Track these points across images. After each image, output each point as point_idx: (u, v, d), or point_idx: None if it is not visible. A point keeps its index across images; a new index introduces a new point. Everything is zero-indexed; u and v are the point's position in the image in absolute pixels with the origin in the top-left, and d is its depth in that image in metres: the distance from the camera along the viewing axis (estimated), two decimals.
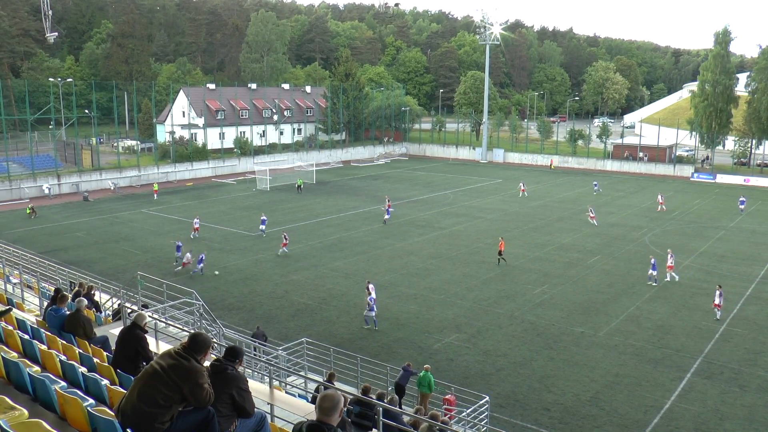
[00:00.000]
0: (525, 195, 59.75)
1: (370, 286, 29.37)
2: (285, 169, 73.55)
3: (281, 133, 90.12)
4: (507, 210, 54.36)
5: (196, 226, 43.63)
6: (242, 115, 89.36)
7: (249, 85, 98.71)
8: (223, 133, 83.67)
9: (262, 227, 44.01)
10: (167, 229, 46.01)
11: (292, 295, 31.67)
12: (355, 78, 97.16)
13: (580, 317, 28.91)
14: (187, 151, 75.18)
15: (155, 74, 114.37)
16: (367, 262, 37.23)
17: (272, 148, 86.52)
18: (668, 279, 33.72)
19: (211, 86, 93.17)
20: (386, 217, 47.95)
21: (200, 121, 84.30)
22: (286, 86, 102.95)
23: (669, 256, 34.17)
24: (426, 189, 66.08)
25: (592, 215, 48.14)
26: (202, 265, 34.41)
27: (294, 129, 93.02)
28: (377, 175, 78.12)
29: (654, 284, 33.28)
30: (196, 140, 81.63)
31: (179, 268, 35.03)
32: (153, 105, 79.08)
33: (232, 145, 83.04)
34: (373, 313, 27.17)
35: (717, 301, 28.32)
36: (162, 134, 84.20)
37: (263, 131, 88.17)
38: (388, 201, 52.15)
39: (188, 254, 35.06)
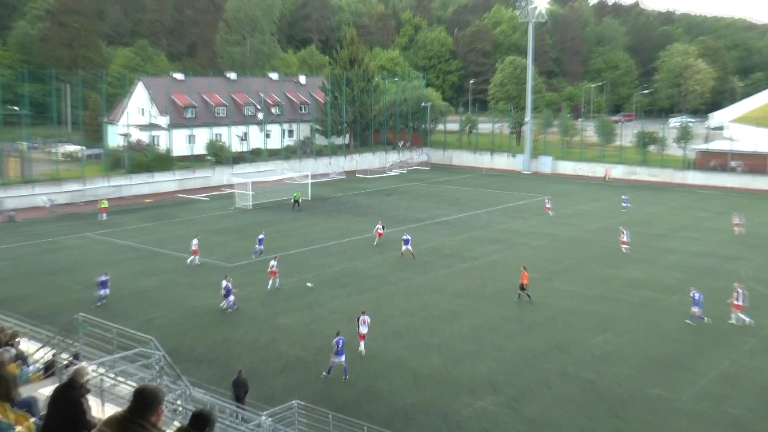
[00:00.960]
0: (550, 214, 61.35)
1: (363, 319, 30.04)
2: (272, 182, 73.91)
3: (267, 136, 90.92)
4: (557, 234, 54.30)
5: (195, 248, 44.70)
6: (218, 113, 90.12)
7: (227, 74, 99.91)
8: (194, 136, 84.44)
9: (259, 247, 46.26)
10: (118, 258, 46.25)
11: (280, 344, 31.52)
12: (362, 65, 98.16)
13: (655, 375, 28.54)
14: (146, 159, 75.95)
15: (107, 61, 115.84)
16: (377, 302, 37.08)
17: (256, 155, 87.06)
18: (733, 321, 34.14)
19: (179, 76, 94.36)
20: (374, 242, 49.53)
21: (164, 121, 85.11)
22: (274, 76, 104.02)
23: (735, 292, 34.49)
24: (453, 208, 66.11)
25: (624, 240, 48.76)
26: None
27: (284, 130, 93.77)
28: (390, 189, 78.24)
29: (693, 323, 33.98)
30: (158, 145, 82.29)
31: (99, 303, 35.68)
32: (103, 100, 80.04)
33: (205, 152, 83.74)
34: (343, 359, 27.89)
35: (738, 302, 31.92)
36: (114, 137, 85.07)
37: (244, 133, 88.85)
38: (382, 225, 51.32)
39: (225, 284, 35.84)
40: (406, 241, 46.51)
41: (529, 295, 37.26)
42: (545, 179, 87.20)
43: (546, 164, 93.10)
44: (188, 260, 44.76)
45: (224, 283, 36.13)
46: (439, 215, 62.13)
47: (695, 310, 34.03)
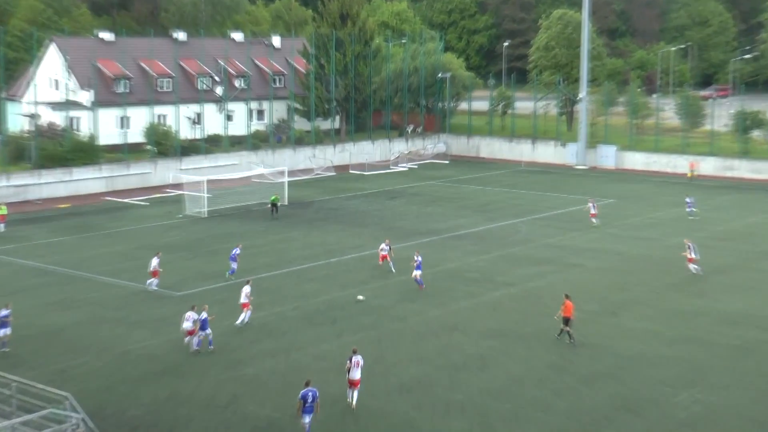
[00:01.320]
0: (595, 223, 62.49)
1: (356, 360, 30.37)
2: (236, 181, 73.86)
3: (229, 118, 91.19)
4: (625, 252, 54.28)
5: (155, 269, 45.23)
6: (161, 87, 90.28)
7: (173, 34, 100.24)
8: (127, 118, 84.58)
9: (233, 265, 47.44)
10: (22, 285, 46.18)
11: (244, 401, 31.39)
12: (357, 22, 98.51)
13: None
14: (61, 150, 76.08)
15: (5, 14, 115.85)
16: (378, 344, 36.93)
17: (213, 144, 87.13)
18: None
19: (107, 36, 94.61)
20: (387, 261, 49.28)
21: (86, 97, 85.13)
22: (238, 36, 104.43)
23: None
24: (480, 216, 66.12)
25: (691, 257, 49.00)
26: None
27: (252, 111, 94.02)
28: (396, 190, 78.20)
29: None
30: (77, 130, 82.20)
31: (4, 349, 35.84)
32: (0, 68, 79.86)
33: (143, 139, 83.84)
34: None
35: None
36: (15, 119, 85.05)
37: (197, 115, 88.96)
38: (388, 246, 49.81)
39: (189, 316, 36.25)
40: (418, 265, 45.75)
41: (570, 333, 37.27)
42: (606, 177, 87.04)
43: (608, 156, 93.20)
44: (147, 283, 45.29)
45: (189, 314, 36.05)
46: (461, 226, 62.04)
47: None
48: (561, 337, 37.51)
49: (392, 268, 48.35)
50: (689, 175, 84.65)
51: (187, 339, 36.32)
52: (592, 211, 63.00)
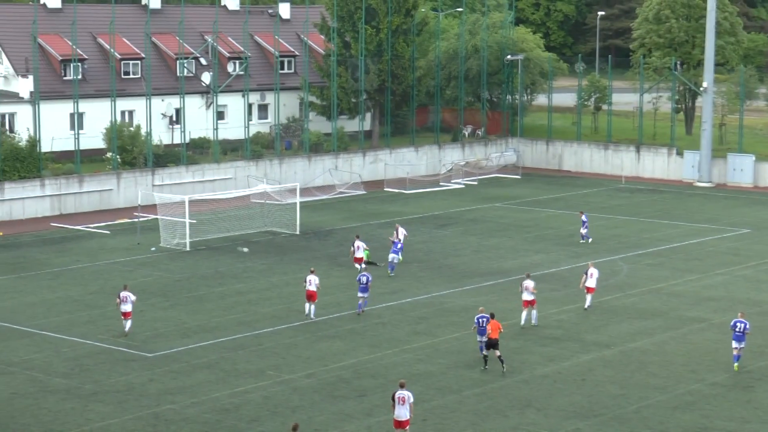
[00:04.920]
0: (585, 242, 66.41)
1: (399, 396, 32.52)
2: (229, 202, 73.89)
3: (219, 116, 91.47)
4: (764, 302, 53.96)
5: (127, 309, 46.61)
6: (127, 72, 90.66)
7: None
8: (81, 115, 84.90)
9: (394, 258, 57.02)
10: None
11: None
12: None
13: None
14: None
15: None
16: (421, 427, 36.60)
17: (198, 151, 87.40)
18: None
19: (52, 1, 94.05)
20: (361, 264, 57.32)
21: (24, 87, 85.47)
22: (231, 3, 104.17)
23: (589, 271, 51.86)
24: (564, 251, 66.19)
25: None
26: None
27: (251, 106, 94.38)
28: (447, 215, 78.23)
29: None
30: (12, 131, 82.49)
31: None
32: None
33: (102, 145, 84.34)
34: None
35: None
36: None
37: (176, 111, 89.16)
38: (399, 232, 60.02)
39: None
40: (483, 321, 43.99)
41: (502, 360, 42.03)
42: (739, 197, 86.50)
43: (742, 170, 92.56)
44: (126, 328, 46.98)
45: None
46: (538, 265, 61.87)
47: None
48: (486, 369, 42.15)
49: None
50: None
51: None
52: (582, 229, 67.80)
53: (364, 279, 50.68)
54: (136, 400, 39.16)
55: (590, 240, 67.75)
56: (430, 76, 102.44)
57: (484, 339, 42.45)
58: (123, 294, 46.42)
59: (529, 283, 48.56)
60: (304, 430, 36.45)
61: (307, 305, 49.87)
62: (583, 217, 68.30)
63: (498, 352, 42.12)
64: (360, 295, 50.64)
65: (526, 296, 48.80)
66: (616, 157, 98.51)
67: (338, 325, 49.34)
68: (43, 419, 37.37)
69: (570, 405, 39.10)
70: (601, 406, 39.07)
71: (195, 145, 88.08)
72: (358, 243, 59.53)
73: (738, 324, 42.46)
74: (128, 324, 46.71)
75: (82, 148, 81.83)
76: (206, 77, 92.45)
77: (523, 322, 48.83)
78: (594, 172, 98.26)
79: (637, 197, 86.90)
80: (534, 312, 49.01)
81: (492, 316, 43.02)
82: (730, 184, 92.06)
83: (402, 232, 62.85)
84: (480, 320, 43.09)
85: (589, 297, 51.56)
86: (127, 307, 46.23)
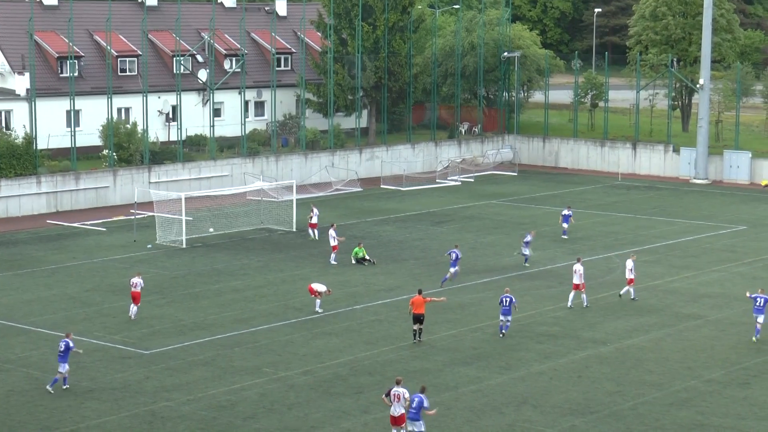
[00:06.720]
0: (565, 238, 68.77)
1: (394, 392, 32.43)
2: (225, 199, 73.74)
3: (216, 113, 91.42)
4: None
5: (136, 287, 48.87)
6: (124, 70, 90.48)
7: None
8: (77, 112, 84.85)
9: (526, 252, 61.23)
10: None
11: None
12: None
13: None
14: None
15: None
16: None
17: (195, 149, 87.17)
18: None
19: None
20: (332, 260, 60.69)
21: (20, 84, 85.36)
22: (227, 0, 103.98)
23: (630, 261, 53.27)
24: (560, 248, 66.24)
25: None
26: None
27: (248, 103, 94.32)
28: (444, 213, 78.13)
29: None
30: (8, 128, 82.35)
31: None
32: None
33: (99, 141, 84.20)
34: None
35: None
36: None
37: (173, 108, 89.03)
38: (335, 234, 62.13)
39: None
40: (506, 300, 46.91)
41: (416, 331, 45.40)
42: (736, 195, 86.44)
43: (739, 166, 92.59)
44: (131, 312, 49.41)
45: None
46: (535, 262, 61.84)
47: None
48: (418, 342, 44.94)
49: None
50: None
51: None
52: (564, 223, 69.13)
53: (453, 255, 55.53)
54: (132, 397, 39.15)
55: (565, 236, 68.45)
56: (426, 73, 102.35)
57: (508, 319, 46.73)
58: (134, 280, 49.14)
59: (579, 267, 51.31)
60: (300, 428, 36.57)
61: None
62: (567, 212, 69.19)
63: (421, 327, 45.54)
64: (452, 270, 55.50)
65: (576, 279, 51.30)
66: (612, 154, 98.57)
67: (334, 322, 49.28)
68: (39, 416, 37.39)
69: (566, 402, 39.10)
70: (597, 402, 39.08)
71: (191, 143, 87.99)
72: (314, 210, 67.91)
73: (759, 299, 45.23)
74: (134, 309, 49.03)
75: (78, 145, 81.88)
76: (203, 74, 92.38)
77: (570, 303, 51.79)
78: (590, 169, 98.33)
79: (634, 194, 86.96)
80: (584, 295, 51.66)
81: (419, 291, 46.22)
82: (727, 181, 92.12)
83: (315, 212, 68.21)
84: (504, 299, 46.58)
85: (582, 295, 51.99)
86: (136, 289, 48.68)
